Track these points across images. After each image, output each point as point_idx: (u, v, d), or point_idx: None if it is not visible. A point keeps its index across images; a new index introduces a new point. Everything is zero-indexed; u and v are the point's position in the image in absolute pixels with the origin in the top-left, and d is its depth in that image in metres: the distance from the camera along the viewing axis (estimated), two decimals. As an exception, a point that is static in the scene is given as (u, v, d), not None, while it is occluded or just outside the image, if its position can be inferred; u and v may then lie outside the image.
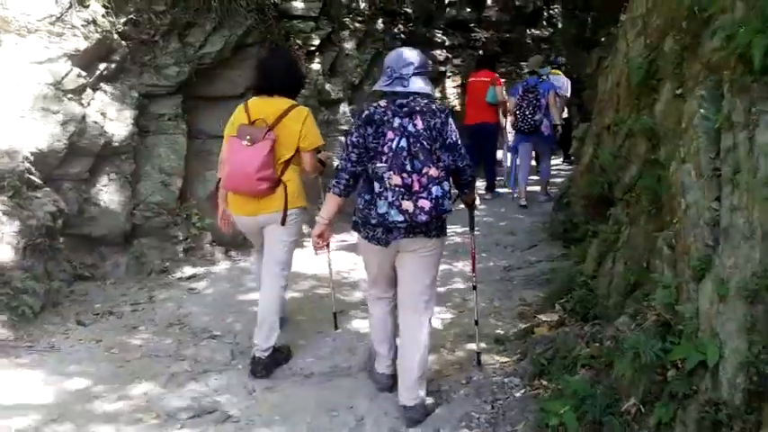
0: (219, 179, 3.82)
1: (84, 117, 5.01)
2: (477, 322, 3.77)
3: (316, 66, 7.52)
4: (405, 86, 2.99)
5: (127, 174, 5.47)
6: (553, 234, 6.08)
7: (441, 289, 4.54)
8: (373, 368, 3.51)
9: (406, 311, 3.21)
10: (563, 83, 8.86)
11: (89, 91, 5.18)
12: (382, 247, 3.06)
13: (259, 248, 3.93)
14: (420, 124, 2.89)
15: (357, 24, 8.15)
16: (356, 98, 8.20)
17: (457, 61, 10.35)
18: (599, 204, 4.28)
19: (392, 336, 3.41)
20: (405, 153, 2.83)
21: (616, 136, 3.98)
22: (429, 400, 3.25)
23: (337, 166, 3.23)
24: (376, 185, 2.89)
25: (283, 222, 3.61)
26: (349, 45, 8.01)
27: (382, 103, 3.02)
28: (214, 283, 5.22)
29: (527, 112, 7.47)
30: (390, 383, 3.39)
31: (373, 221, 2.94)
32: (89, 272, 5.10)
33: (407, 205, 2.82)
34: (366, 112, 3.02)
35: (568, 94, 8.83)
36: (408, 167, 2.83)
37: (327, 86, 7.55)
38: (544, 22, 13.02)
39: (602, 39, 16.10)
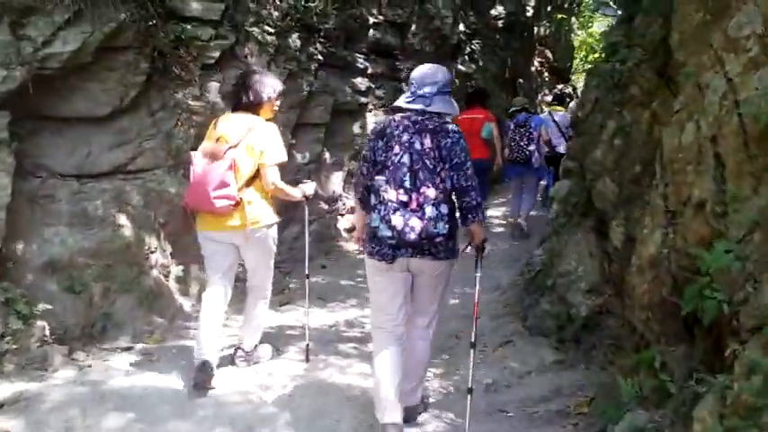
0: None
1: None
2: (470, 390, 3.17)
3: (213, 86, 5.69)
4: (426, 105, 3.01)
5: None
6: (533, 327, 4.58)
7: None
8: (377, 421, 3.12)
9: (412, 330, 3.24)
10: (566, 119, 8.67)
11: None
12: (388, 264, 3.01)
13: (214, 278, 3.84)
14: (428, 143, 2.92)
15: (268, 37, 6.40)
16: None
17: (379, 92, 8.83)
18: (670, 318, 2.79)
19: (400, 376, 3.11)
20: (405, 169, 2.87)
21: (724, 222, 2.50)
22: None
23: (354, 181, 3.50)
24: (373, 198, 2.96)
25: (247, 239, 3.64)
26: (257, 62, 6.23)
27: (397, 117, 3.04)
28: (43, 417, 3.21)
29: (521, 143, 7.79)
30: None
31: (379, 235, 2.92)
32: None
33: (397, 221, 2.81)
34: (379, 126, 3.08)
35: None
36: (407, 184, 2.86)
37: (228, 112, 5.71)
38: (466, 57, 11.86)
39: (520, 80, 15.47)
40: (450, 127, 3.04)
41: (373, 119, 8.64)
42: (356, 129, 8.26)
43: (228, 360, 4.07)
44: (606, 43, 6.70)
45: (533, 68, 16.13)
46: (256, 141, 3.63)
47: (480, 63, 12.27)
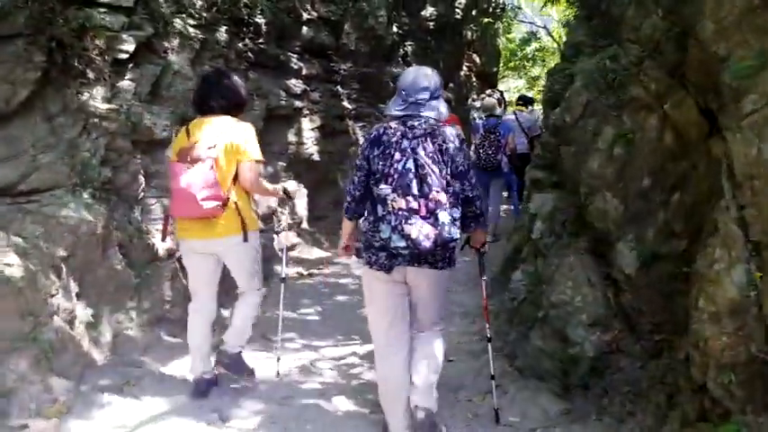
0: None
1: None
2: (493, 377, 3.50)
3: (127, 85, 4.72)
4: (421, 112, 2.94)
5: None
6: (526, 368, 3.90)
7: None
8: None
9: (417, 340, 3.14)
10: (530, 120, 9.00)
11: None
12: (385, 274, 2.97)
13: (200, 293, 3.76)
14: (430, 147, 2.84)
15: (191, 29, 5.47)
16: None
17: (315, 95, 8.00)
18: (759, 381, 2.15)
19: (407, 394, 3.06)
20: (411, 175, 2.78)
21: None
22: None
23: (346, 191, 3.18)
24: (379, 208, 2.85)
25: (245, 239, 3.53)
26: (179, 58, 5.29)
27: (393, 123, 2.94)
28: None
29: (489, 152, 7.68)
30: None
31: (376, 245, 2.91)
32: None
33: (410, 230, 2.72)
34: (374, 133, 2.98)
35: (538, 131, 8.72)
36: (414, 191, 2.77)
37: (147, 118, 4.76)
38: (400, 60, 11.20)
39: (451, 84, 14.97)
40: (449, 131, 2.96)
41: (309, 125, 7.81)
42: (291, 136, 7.40)
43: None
44: (568, 44, 6.21)
45: (462, 73, 15.70)
46: (235, 139, 3.48)
47: (413, 65, 11.64)
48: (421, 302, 3.11)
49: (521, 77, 28.15)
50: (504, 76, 26.40)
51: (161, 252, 4.68)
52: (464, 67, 15.97)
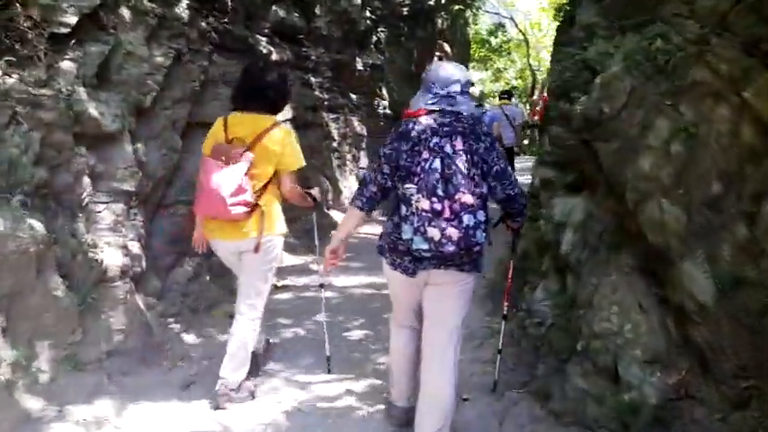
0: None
1: None
2: (500, 351, 3.67)
3: (68, 66, 3.85)
4: (452, 106, 2.85)
5: None
6: (565, 412, 3.22)
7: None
8: (390, 403, 3.38)
9: (430, 351, 2.97)
10: (516, 113, 9.34)
11: None
12: (408, 277, 2.88)
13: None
14: (460, 146, 2.72)
15: (147, 3, 4.62)
16: (144, 132, 4.62)
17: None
18: None
19: (415, 368, 3.16)
20: (437, 175, 2.65)
21: None
22: None
23: (362, 178, 3.05)
24: (403, 208, 2.75)
25: (257, 250, 3.41)
26: (132, 36, 4.44)
27: (423, 119, 2.80)
28: None
29: None
30: (407, 419, 3.20)
31: (401, 248, 2.82)
32: None
33: (433, 233, 2.61)
34: (402, 127, 2.84)
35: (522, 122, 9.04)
36: (440, 191, 2.64)
37: (92, 108, 3.91)
38: (373, 47, 10.45)
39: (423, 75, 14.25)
40: (482, 129, 2.87)
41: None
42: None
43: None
44: (580, 25, 5.56)
45: (434, 63, 15.05)
46: (275, 144, 3.38)
47: (387, 54, 10.91)
48: (439, 303, 2.96)
49: (486, 69, 27.72)
50: (470, 68, 25.91)
51: (111, 270, 3.83)
52: (435, 57, 15.30)
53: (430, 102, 2.86)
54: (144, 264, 4.25)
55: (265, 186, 3.42)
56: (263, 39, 6.64)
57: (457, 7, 15.59)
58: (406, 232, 2.70)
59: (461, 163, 2.68)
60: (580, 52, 5.52)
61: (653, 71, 3.40)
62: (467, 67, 18.73)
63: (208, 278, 5.27)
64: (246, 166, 3.27)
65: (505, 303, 3.74)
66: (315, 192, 3.78)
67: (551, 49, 8.59)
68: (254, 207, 3.35)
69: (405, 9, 11.79)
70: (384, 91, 10.52)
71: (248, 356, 3.55)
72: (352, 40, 9.30)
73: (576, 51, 5.60)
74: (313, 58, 8.00)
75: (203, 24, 5.52)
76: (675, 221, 3.04)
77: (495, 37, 23.75)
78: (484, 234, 2.69)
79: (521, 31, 25.87)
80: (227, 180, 3.22)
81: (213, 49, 5.68)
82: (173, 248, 4.83)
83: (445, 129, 2.75)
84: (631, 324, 3.15)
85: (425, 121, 2.79)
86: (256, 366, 3.82)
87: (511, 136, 8.72)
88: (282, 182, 3.47)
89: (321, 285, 4.16)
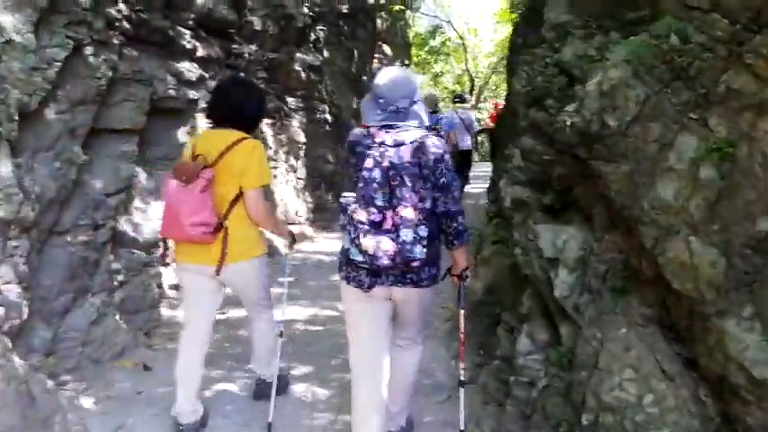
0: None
1: None
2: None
3: None
4: (402, 121, 2.76)
5: None
6: None
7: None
8: None
9: (395, 351, 3.00)
10: (471, 117, 9.34)
11: None
12: (365, 293, 2.76)
13: (193, 321, 3.37)
14: (406, 157, 2.65)
15: (34, -18, 3.69)
16: (30, 141, 3.69)
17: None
18: None
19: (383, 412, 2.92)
20: (375, 185, 2.59)
21: None
22: None
23: None
24: (342, 218, 2.68)
25: (218, 272, 3.22)
26: (13, 20, 3.51)
27: (372, 130, 2.74)
28: None
29: None
30: None
31: (351, 259, 2.66)
32: None
33: (368, 245, 2.53)
34: (350, 140, 2.82)
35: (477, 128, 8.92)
36: (379, 202, 2.59)
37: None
38: (311, 46, 9.63)
39: (364, 78, 13.48)
40: (431, 141, 2.72)
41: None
42: (183, 136, 5.67)
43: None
44: (550, 24, 4.94)
45: (374, 65, 14.30)
46: (238, 159, 3.18)
47: (326, 54, 10.10)
48: (402, 315, 2.96)
49: (423, 73, 27.26)
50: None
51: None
52: (374, 59, 14.59)
53: (378, 117, 2.76)
54: (25, 311, 3.33)
55: (232, 206, 3.19)
56: (187, 32, 5.75)
57: (397, 7, 14.97)
58: (345, 242, 2.64)
59: (407, 175, 2.61)
60: (551, 54, 4.90)
61: (670, 76, 2.77)
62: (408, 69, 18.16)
63: (117, 317, 4.36)
64: (203, 183, 3.04)
65: (462, 367, 3.03)
66: (293, 228, 3.57)
67: (507, 51, 8.08)
68: (218, 227, 3.14)
69: (344, 6, 11.02)
70: (324, 94, 9.70)
71: (274, 347, 3.54)
72: (289, 37, 8.47)
73: (548, 53, 4.97)
74: (245, 55, 7.13)
75: (112, 11, 4.60)
76: (710, 266, 2.40)
77: (434, 39, 23.27)
78: (424, 249, 2.56)
79: (459, 35, 25.54)
80: (184, 200, 3.04)
81: (125, 40, 4.77)
82: (70, 285, 3.90)
83: (394, 138, 2.67)
84: (654, 395, 2.50)
85: (374, 130, 2.72)
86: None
87: (467, 140, 8.71)
88: (246, 200, 3.21)
89: (280, 334, 3.61)
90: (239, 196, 3.21)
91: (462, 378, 3.01)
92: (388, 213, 2.56)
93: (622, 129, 2.81)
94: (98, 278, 4.15)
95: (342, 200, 2.68)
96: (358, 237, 2.55)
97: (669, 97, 2.73)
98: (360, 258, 2.57)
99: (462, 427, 2.95)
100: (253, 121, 3.44)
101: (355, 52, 11.41)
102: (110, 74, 4.40)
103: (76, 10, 4.09)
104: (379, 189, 2.57)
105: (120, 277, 4.53)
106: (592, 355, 2.77)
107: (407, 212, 2.53)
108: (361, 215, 2.56)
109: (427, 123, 2.86)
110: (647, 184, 2.67)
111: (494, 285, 4.62)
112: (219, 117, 3.34)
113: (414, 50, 22.16)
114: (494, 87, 28.33)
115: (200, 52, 5.96)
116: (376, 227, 2.55)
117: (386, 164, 2.60)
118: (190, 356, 3.35)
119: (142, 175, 5.07)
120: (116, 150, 4.63)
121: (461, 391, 2.98)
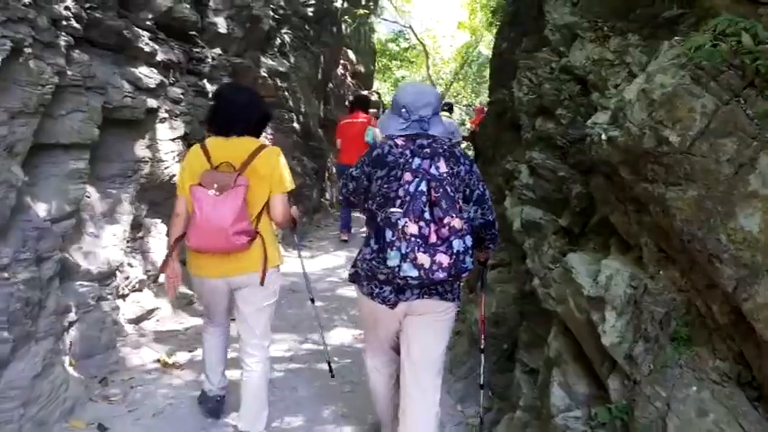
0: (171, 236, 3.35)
1: None
2: (482, 386, 3.42)
3: None
4: (425, 130, 2.76)
5: None
6: None
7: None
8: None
9: (412, 388, 2.83)
10: (453, 125, 9.23)
11: None
12: (388, 308, 2.74)
13: (218, 319, 3.54)
14: (443, 168, 2.64)
15: (-39, -32, 3.06)
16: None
17: (175, 91, 5.64)
18: None
19: (395, 390, 3.04)
20: (424, 198, 2.54)
21: None
22: None
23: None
24: (388, 233, 2.53)
25: (263, 282, 3.20)
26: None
27: (399, 141, 2.72)
28: None
29: None
30: None
31: (381, 277, 2.64)
32: None
33: (423, 259, 2.48)
34: (377, 152, 2.73)
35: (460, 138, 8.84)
36: (427, 215, 2.53)
37: None
38: (277, 50, 9.05)
39: (330, 84, 12.94)
40: (460, 151, 2.78)
41: (169, 133, 5.46)
42: (142, 149, 5.03)
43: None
44: (555, 27, 4.52)
45: (339, 71, 13.78)
46: (265, 166, 3.16)
47: (292, 59, 9.53)
48: (421, 334, 2.82)
49: (385, 80, 26.87)
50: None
51: None
52: (339, 65, 14.07)
53: (402, 127, 2.76)
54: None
55: (260, 212, 3.19)
56: (145, 33, 5.12)
57: (361, 11, 14.49)
58: (393, 259, 2.50)
59: (447, 185, 2.58)
60: (557, 59, 4.47)
61: (741, 83, 2.33)
62: (372, 77, 17.66)
63: (68, 363, 3.73)
64: (243, 191, 3.02)
65: (482, 336, 3.41)
66: (294, 212, 3.51)
67: (490, 55, 7.64)
68: (254, 235, 3.14)
69: (309, 10, 10.47)
70: (291, 102, 9.12)
71: (266, 398, 3.40)
72: (255, 40, 7.87)
73: (552, 57, 4.54)
74: (208, 60, 6.51)
75: (59, 9, 3.96)
76: (816, 316, 1.96)
77: (398, 45, 22.88)
78: (471, 260, 2.57)
79: (420, 41, 25.24)
80: (225, 209, 2.97)
81: (74, 42, 4.13)
82: (9, 333, 3.25)
83: (425, 150, 2.66)
84: (744, 472, 2.04)
85: (402, 143, 2.69)
86: None
87: None
88: (273, 205, 3.23)
89: (312, 300, 4.00)
90: (266, 204, 3.22)
91: (482, 346, 3.38)
92: (433, 226, 2.51)
93: (685, 146, 2.36)
94: (43, 321, 3.51)
95: (390, 214, 2.55)
96: (413, 251, 2.48)
97: (743, 108, 2.29)
98: (414, 273, 2.49)
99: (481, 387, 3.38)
100: (260, 127, 3.42)
101: (321, 58, 10.86)
102: (55, 80, 3.75)
103: (15, 5, 3.46)
104: (427, 202, 2.52)
105: (71, 316, 3.88)
106: (657, 419, 2.29)
107: (456, 223, 2.51)
108: (413, 228, 2.49)
109: (449, 135, 2.89)
110: (723, 213, 2.22)
111: (499, 316, 4.15)
112: (230, 126, 3.22)
113: (377, 57, 21.76)
114: (455, 94, 28.10)
115: (160, 56, 5.33)
116: (426, 241, 2.49)
117: (428, 176, 2.57)
118: (215, 347, 3.60)
119: (95, 196, 4.42)
120: (63, 169, 3.98)
121: (482, 357, 3.35)
